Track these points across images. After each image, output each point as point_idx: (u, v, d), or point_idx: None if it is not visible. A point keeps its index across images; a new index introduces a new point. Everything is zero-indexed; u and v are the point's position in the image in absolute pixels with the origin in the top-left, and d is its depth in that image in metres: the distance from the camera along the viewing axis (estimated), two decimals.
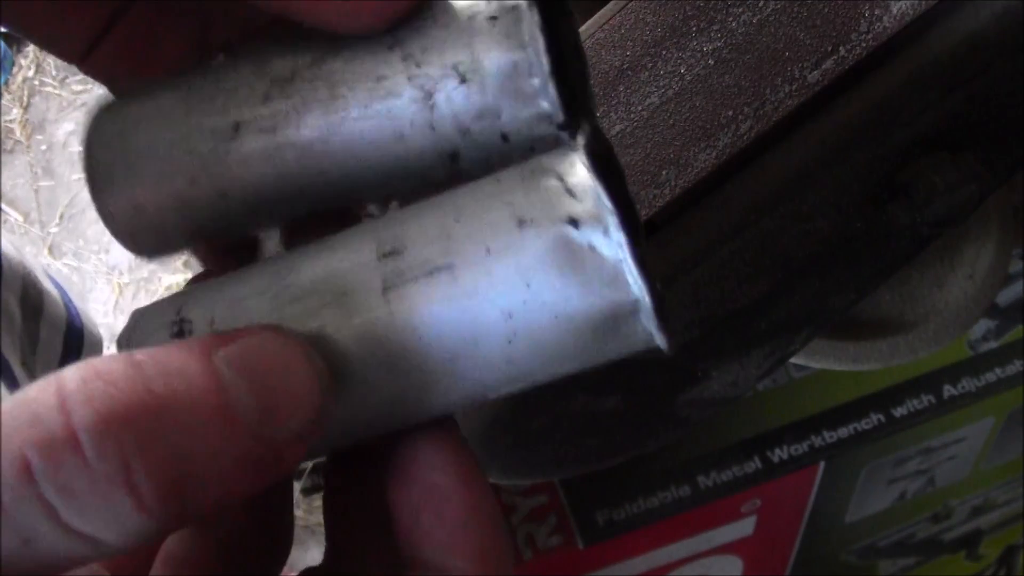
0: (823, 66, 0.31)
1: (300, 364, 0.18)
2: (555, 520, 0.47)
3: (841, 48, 0.31)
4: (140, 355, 0.17)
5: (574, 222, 0.18)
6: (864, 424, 0.50)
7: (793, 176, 0.32)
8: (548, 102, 0.19)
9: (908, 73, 0.32)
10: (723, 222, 0.32)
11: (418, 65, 0.19)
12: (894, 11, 0.31)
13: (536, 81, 0.19)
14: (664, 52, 0.33)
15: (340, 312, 0.19)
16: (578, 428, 0.38)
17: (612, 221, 0.18)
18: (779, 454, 0.49)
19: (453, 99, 0.19)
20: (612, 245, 0.18)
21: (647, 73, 0.34)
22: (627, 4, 0.35)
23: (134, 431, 0.16)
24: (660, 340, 0.18)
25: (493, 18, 0.19)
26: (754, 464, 0.49)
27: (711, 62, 0.33)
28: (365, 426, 0.20)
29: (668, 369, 0.36)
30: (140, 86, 0.22)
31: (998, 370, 0.51)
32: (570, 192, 0.18)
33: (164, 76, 0.22)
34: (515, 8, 0.19)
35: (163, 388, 0.16)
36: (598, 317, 0.18)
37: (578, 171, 0.18)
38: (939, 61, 0.32)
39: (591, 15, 0.36)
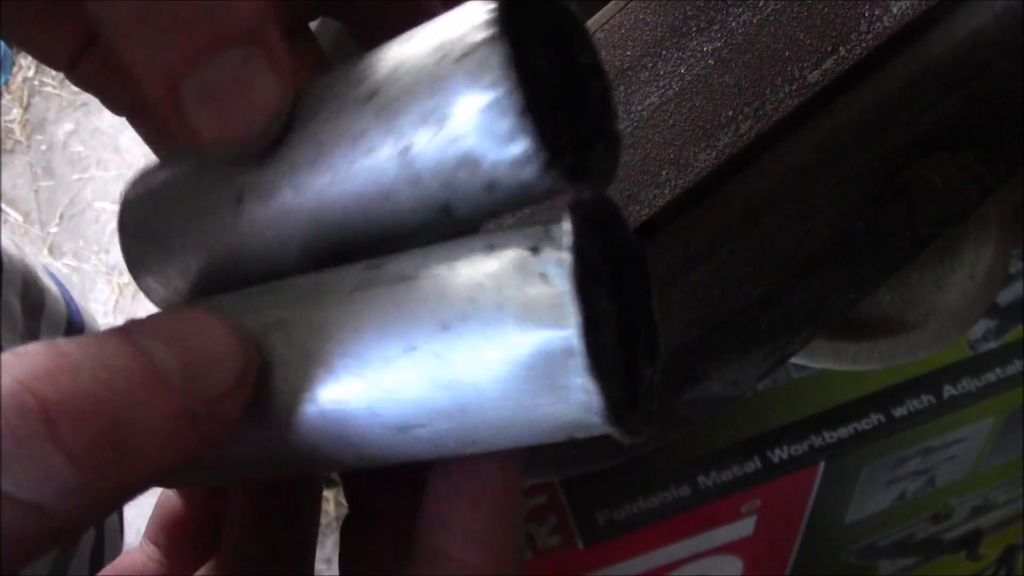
0: (823, 66, 0.31)
1: (216, 327, 0.18)
2: (555, 520, 0.47)
3: (841, 48, 0.31)
4: (57, 339, 0.17)
5: (535, 249, 0.17)
6: (864, 424, 0.50)
7: (793, 176, 0.32)
8: (526, 143, 0.17)
9: (908, 73, 0.32)
10: (723, 222, 0.32)
11: (393, 116, 0.19)
12: (894, 11, 0.31)
13: (509, 121, 0.17)
14: (664, 52, 0.33)
15: (307, 306, 0.19)
16: None
17: (567, 251, 0.17)
18: (779, 454, 0.49)
19: (429, 151, 0.18)
20: (562, 274, 0.17)
21: (647, 73, 0.34)
22: (627, 4, 0.35)
23: (53, 387, 0.16)
24: (595, 398, 0.17)
25: (463, 56, 0.18)
26: (754, 464, 0.49)
27: (711, 62, 0.33)
28: (293, 431, 0.19)
29: (668, 369, 0.36)
30: (163, 158, 0.23)
31: (998, 370, 0.51)
32: (546, 232, 0.18)
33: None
34: (482, 42, 0.18)
35: (79, 354, 0.17)
36: (531, 350, 0.17)
37: (562, 223, 0.17)
38: (939, 61, 0.32)
39: (591, 15, 0.36)
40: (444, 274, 0.18)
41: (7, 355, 0.16)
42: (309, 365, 0.19)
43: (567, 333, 0.17)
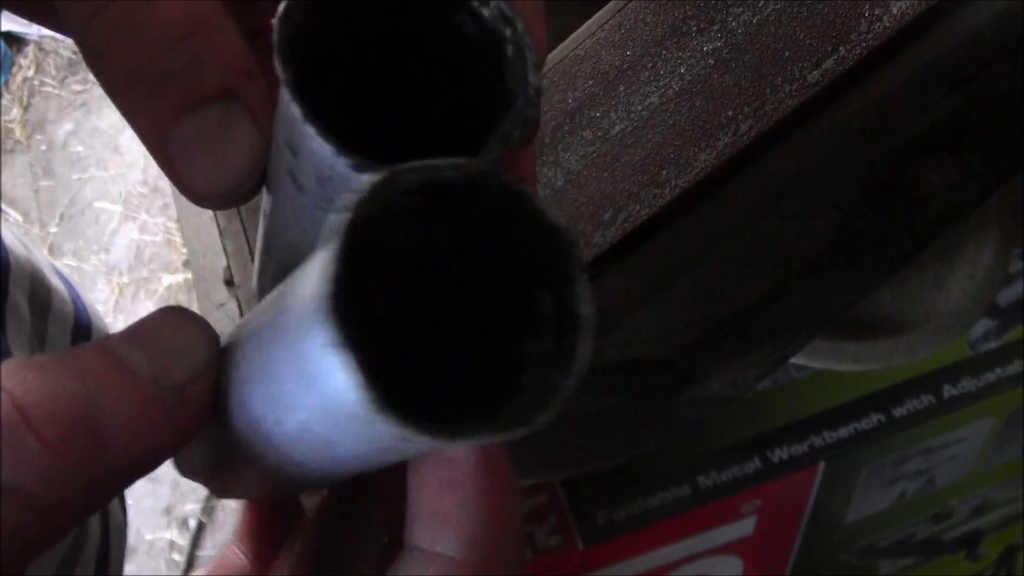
0: (823, 66, 0.31)
1: (181, 321, 0.20)
2: (555, 520, 0.47)
3: (841, 48, 0.31)
4: (37, 355, 0.18)
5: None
6: (864, 424, 0.50)
7: (793, 176, 0.32)
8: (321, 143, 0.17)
9: (908, 73, 0.32)
10: (723, 222, 0.32)
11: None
12: (894, 11, 0.31)
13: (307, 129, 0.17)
14: (664, 52, 0.33)
15: (263, 319, 0.19)
16: (578, 428, 0.38)
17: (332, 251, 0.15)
18: (779, 454, 0.49)
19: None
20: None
21: (647, 73, 0.34)
22: (627, 4, 0.35)
23: (22, 381, 0.17)
24: (340, 363, 0.15)
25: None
26: (754, 464, 0.49)
27: (711, 62, 0.33)
28: (233, 444, 0.20)
29: (668, 369, 0.36)
30: None
31: (998, 370, 0.51)
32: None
33: None
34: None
35: (50, 358, 0.18)
36: (297, 345, 0.16)
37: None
38: (939, 61, 0.32)
39: (591, 15, 0.36)
40: (286, 285, 0.18)
41: None
42: (236, 377, 0.19)
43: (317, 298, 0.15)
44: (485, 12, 0.19)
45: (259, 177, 0.20)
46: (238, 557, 0.27)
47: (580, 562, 0.47)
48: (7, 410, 0.17)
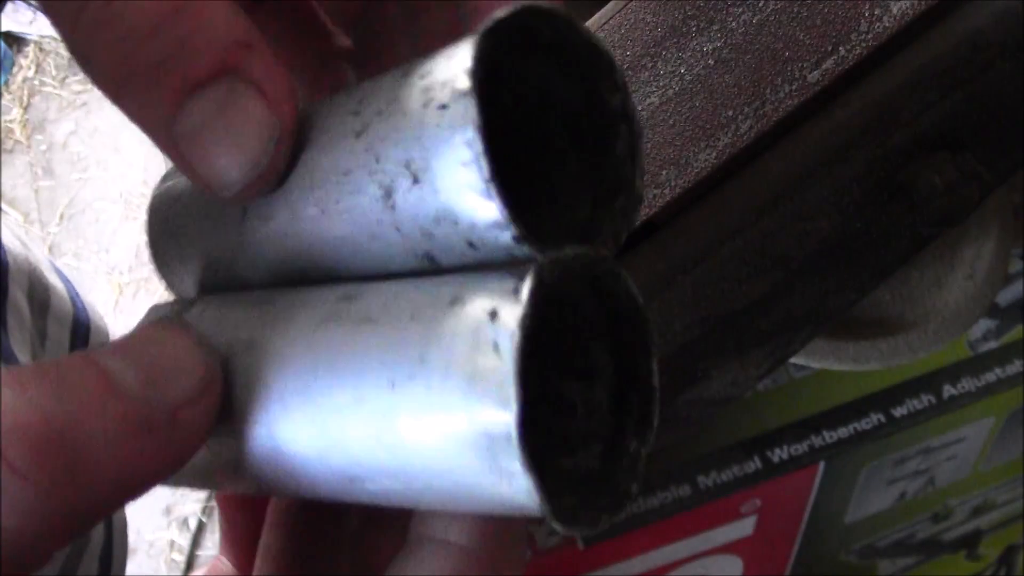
0: (823, 66, 0.31)
1: (177, 336, 0.18)
2: None
3: (841, 48, 0.31)
4: (19, 366, 0.17)
5: (494, 314, 0.16)
6: (864, 424, 0.50)
7: (793, 176, 0.32)
8: (497, 210, 0.16)
9: (908, 73, 0.32)
10: (723, 222, 0.32)
11: (377, 160, 0.18)
12: (894, 11, 0.31)
13: (481, 185, 0.16)
14: (664, 52, 0.33)
15: (277, 332, 0.18)
16: None
17: (519, 329, 0.15)
18: (779, 454, 0.49)
19: (409, 200, 0.17)
20: (511, 350, 0.15)
21: (647, 73, 0.34)
22: (627, 4, 0.35)
23: None
24: (531, 489, 0.15)
25: (443, 107, 0.17)
26: (754, 464, 0.49)
27: (711, 62, 0.33)
28: (249, 460, 0.19)
29: (668, 369, 0.36)
30: None
31: (998, 370, 0.51)
32: (515, 291, 0.16)
33: None
34: (461, 95, 0.16)
35: (30, 372, 0.16)
36: (473, 425, 0.15)
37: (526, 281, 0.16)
38: (939, 61, 0.32)
39: (591, 15, 0.36)
40: (404, 324, 0.17)
41: None
42: (267, 397, 0.18)
43: (507, 417, 0.15)
44: (611, 100, 0.18)
45: (283, 158, 0.19)
46: (225, 567, 0.26)
47: (580, 562, 0.47)
48: None
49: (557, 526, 0.16)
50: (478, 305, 0.16)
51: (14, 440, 0.15)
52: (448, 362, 0.16)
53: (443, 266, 0.18)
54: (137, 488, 0.17)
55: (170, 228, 0.23)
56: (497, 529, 0.20)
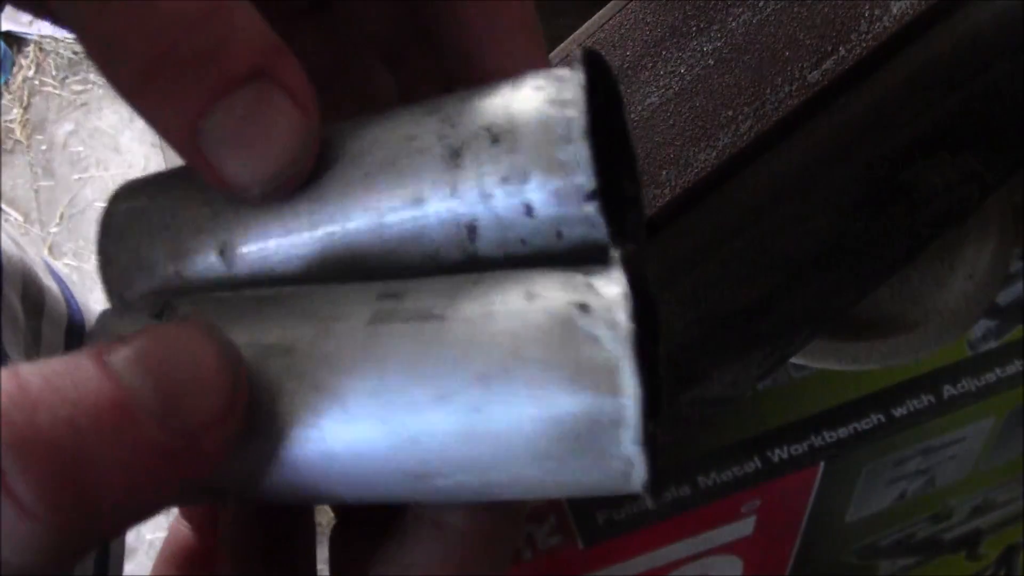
0: (823, 66, 0.31)
1: (203, 346, 0.16)
2: (555, 520, 0.47)
3: (841, 48, 0.31)
4: (23, 365, 0.15)
5: (584, 307, 0.17)
6: (864, 424, 0.50)
7: (793, 176, 0.32)
8: (583, 173, 0.17)
9: (908, 73, 0.32)
10: (723, 222, 0.32)
11: (452, 126, 0.18)
12: (894, 11, 0.31)
13: (571, 148, 0.17)
14: (664, 52, 0.33)
15: (317, 332, 0.18)
16: None
17: (623, 316, 0.16)
18: (779, 454, 0.49)
19: (480, 157, 0.18)
20: (617, 340, 0.16)
21: (647, 73, 0.34)
22: (627, 4, 0.35)
23: (4, 429, 0.14)
24: (639, 468, 0.17)
25: (539, 88, 0.18)
26: (754, 464, 0.49)
27: (711, 62, 0.33)
28: (293, 467, 0.18)
29: (668, 369, 0.36)
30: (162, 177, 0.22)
31: (998, 370, 0.51)
32: (589, 286, 0.17)
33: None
34: (561, 76, 0.18)
35: (40, 386, 0.15)
36: (578, 414, 0.16)
37: (609, 275, 0.17)
38: (939, 61, 0.32)
39: (591, 15, 0.36)
40: (479, 319, 0.17)
41: None
42: (318, 400, 0.17)
43: (621, 402, 0.16)
44: (627, 189, 0.20)
45: (311, 163, 0.18)
46: (184, 529, 0.25)
47: (580, 562, 0.47)
48: None
49: (650, 500, 0.17)
50: (559, 298, 0.17)
51: (22, 472, 0.14)
52: (546, 356, 0.16)
53: (479, 245, 0.18)
54: (146, 515, 0.16)
55: (151, 222, 0.21)
56: (494, 509, 0.19)
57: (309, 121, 0.18)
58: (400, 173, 0.18)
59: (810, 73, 0.32)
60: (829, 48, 0.32)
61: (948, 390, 0.51)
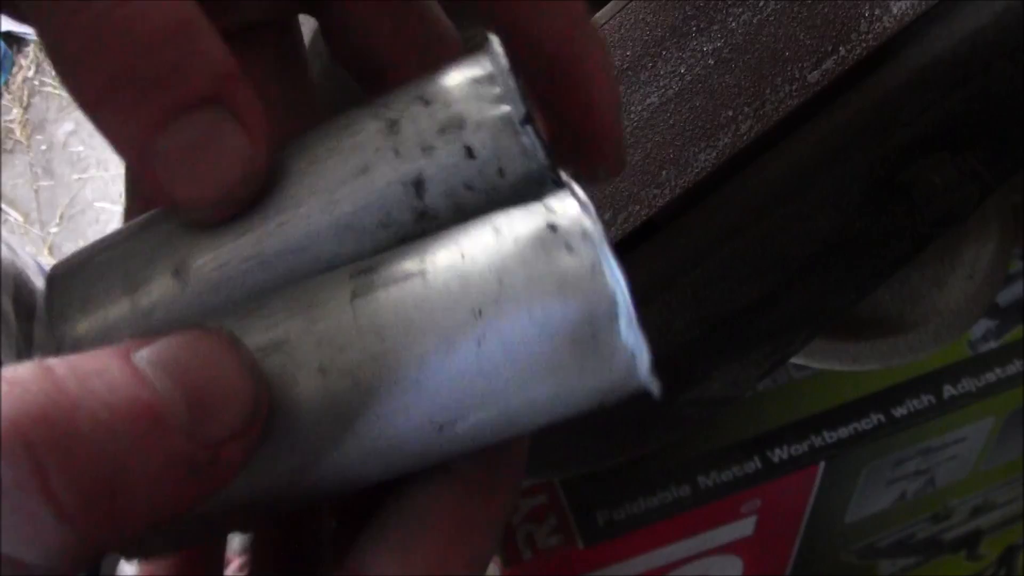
0: (823, 66, 0.31)
1: (228, 357, 0.17)
2: (555, 520, 0.47)
3: (841, 48, 0.31)
4: (52, 360, 0.15)
5: (552, 227, 0.18)
6: (864, 424, 0.50)
7: (793, 176, 0.32)
8: (511, 102, 0.19)
9: (908, 73, 0.32)
10: (723, 222, 0.32)
11: (386, 106, 0.20)
12: (894, 11, 0.31)
13: (498, 83, 0.19)
14: (664, 52, 0.33)
15: (304, 320, 0.18)
16: (578, 428, 0.38)
17: (590, 222, 0.18)
18: (779, 454, 0.49)
19: (417, 120, 0.19)
20: (592, 244, 0.18)
21: (647, 73, 0.34)
22: (627, 4, 0.35)
23: (47, 432, 0.14)
24: (641, 355, 0.18)
25: (458, 61, 0.20)
26: (754, 464, 0.49)
27: (711, 62, 0.33)
28: (322, 452, 0.18)
29: (668, 369, 0.36)
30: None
31: (998, 370, 0.51)
32: (549, 208, 0.18)
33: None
34: (475, 53, 0.20)
35: (77, 387, 0.15)
36: (574, 319, 0.17)
37: (562, 193, 0.19)
38: (939, 61, 0.32)
39: (591, 15, 0.36)
40: (458, 263, 0.18)
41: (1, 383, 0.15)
42: (326, 382, 0.18)
43: (610, 297, 0.17)
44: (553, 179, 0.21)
45: (255, 185, 0.19)
46: None
47: (580, 562, 0.47)
48: (25, 472, 0.14)
49: (655, 387, 0.19)
50: (524, 225, 0.18)
51: (64, 473, 0.14)
52: (529, 276, 0.18)
53: (427, 203, 0.19)
54: (164, 525, 0.16)
55: (99, 265, 0.21)
56: (496, 454, 0.20)
57: (256, 149, 0.19)
58: (343, 151, 0.19)
59: (810, 73, 0.32)
60: (829, 48, 0.32)
61: (948, 390, 0.51)
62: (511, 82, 0.19)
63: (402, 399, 0.18)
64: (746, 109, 0.32)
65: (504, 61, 0.19)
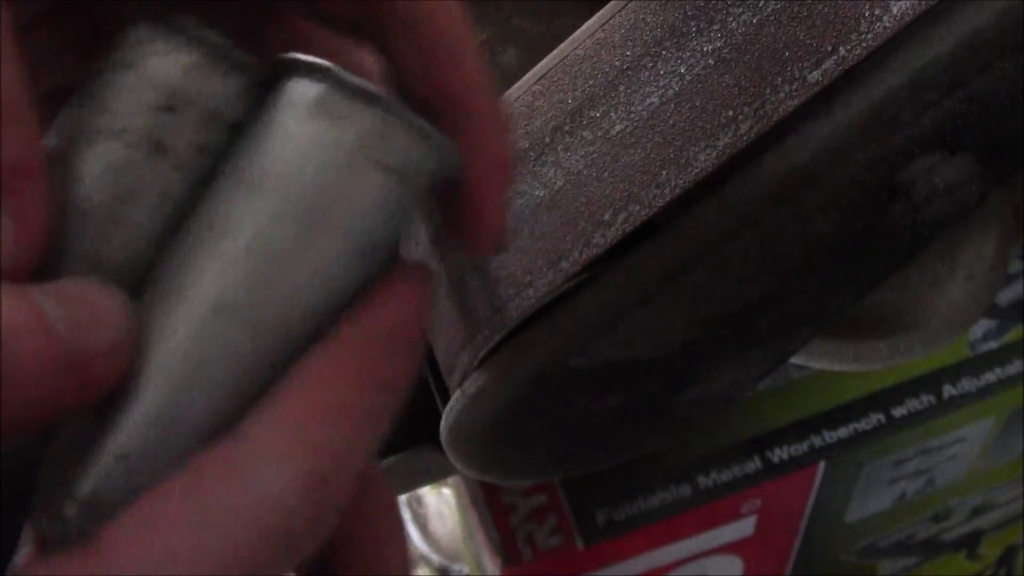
0: (823, 66, 0.31)
1: (105, 291, 0.20)
2: (555, 520, 0.47)
3: (841, 48, 0.31)
4: None
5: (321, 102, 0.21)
6: (864, 424, 0.50)
7: (793, 176, 0.32)
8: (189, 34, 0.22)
9: (908, 73, 0.32)
10: (723, 222, 0.32)
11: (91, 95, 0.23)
12: (894, 11, 0.31)
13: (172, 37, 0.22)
14: (664, 52, 0.33)
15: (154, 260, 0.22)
16: (578, 428, 0.38)
17: (347, 79, 0.21)
18: (779, 454, 0.49)
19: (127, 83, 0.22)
20: (351, 100, 0.21)
21: (647, 73, 0.34)
22: (627, 4, 0.35)
23: None
24: (436, 131, 0.21)
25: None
26: (754, 464, 0.49)
27: (711, 62, 0.33)
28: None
29: (668, 369, 0.36)
30: None
31: (998, 370, 0.51)
32: (290, 102, 0.22)
33: None
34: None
35: None
36: (362, 132, 0.21)
37: (294, 80, 0.22)
38: (939, 61, 0.32)
39: (591, 15, 0.36)
40: (251, 167, 0.21)
41: None
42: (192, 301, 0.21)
43: (389, 106, 0.21)
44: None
45: (21, 276, 0.21)
46: None
47: (580, 562, 0.47)
48: None
49: (456, 159, 0.23)
50: (291, 115, 0.22)
51: None
52: (317, 142, 0.21)
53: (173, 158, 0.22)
54: (47, 419, 0.19)
55: None
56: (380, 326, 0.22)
57: (27, 253, 0.21)
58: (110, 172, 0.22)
59: (810, 73, 0.32)
60: (829, 48, 0.32)
61: (948, 390, 0.51)
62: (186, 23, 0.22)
63: (255, 276, 0.21)
64: (746, 109, 0.32)
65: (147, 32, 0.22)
